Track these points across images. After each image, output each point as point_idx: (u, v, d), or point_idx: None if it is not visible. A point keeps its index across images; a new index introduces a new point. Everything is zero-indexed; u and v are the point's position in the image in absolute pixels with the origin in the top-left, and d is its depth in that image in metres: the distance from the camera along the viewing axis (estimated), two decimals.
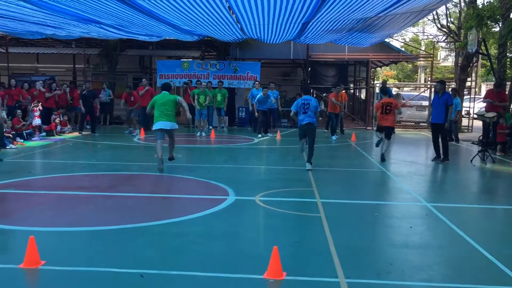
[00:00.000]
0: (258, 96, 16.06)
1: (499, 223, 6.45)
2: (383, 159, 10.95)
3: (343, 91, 16.87)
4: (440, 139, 11.08)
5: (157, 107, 9.33)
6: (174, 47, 21.62)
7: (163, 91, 9.57)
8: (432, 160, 11.21)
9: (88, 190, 7.61)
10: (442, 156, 11.03)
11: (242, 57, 20.53)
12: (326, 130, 17.27)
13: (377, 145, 11.59)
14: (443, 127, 10.89)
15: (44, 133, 14.69)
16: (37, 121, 14.51)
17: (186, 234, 5.48)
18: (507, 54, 15.85)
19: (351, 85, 24.86)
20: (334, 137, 15.55)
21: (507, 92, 14.39)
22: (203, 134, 15.90)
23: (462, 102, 17.31)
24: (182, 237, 5.35)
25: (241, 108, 19.77)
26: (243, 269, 4.43)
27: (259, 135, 15.66)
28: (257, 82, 16.88)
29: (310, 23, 11.50)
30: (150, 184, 8.47)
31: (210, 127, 16.89)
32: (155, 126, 9.36)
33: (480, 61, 27.27)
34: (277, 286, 4.14)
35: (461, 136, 16.63)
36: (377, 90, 20.69)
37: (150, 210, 6.55)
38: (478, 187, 9.18)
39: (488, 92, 13.73)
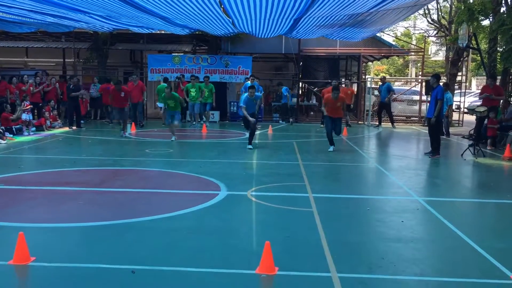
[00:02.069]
0: (244, 98, 15.84)
1: (490, 217, 6.48)
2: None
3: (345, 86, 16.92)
4: (429, 133, 11.28)
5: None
6: (165, 41, 21.50)
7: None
8: (425, 154, 11.35)
9: (79, 186, 7.54)
10: (430, 150, 11.18)
11: (234, 52, 20.45)
12: (322, 125, 17.21)
13: None
14: (430, 121, 11.05)
15: (34, 128, 14.56)
16: (27, 116, 14.36)
17: (177, 229, 5.45)
18: (498, 48, 15.91)
19: (343, 80, 24.86)
20: None
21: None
22: (196, 126, 15.90)
23: (453, 96, 17.37)
24: (173, 233, 5.32)
25: (232, 103, 19.71)
26: (235, 265, 4.42)
27: (249, 146, 13.54)
28: (251, 78, 16.68)
29: (302, 19, 11.46)
30: (141, 179, 8.42)
31: (202, 122, 16.88)
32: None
33: (471, 55, 27.39)
34: (269, 281, 4.13)
35: (451, 130, 16.71)
36: (368, 84, 20.74)
37: (141, 206, 6.51)
38: (469, 181, 9.23)
39: (484, 88, 13.79)
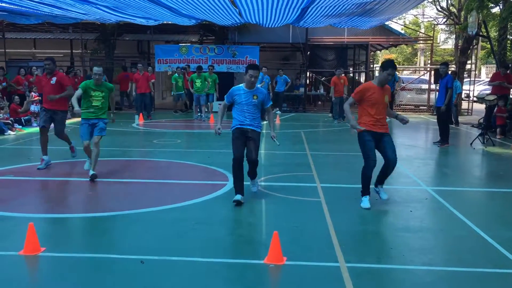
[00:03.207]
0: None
1: (499, 207, 6.43)
2: None
3: (343, 74, 16.72)
4: (438, 122, 11.21)
5: None
6: (172, 31, 21.45)
7: None
8: (434, 143, 11.31)
9: (87, 177, 7.58)
10: (439, 139, 11.13)
11: (241, 41, 20.38)
12: (330, 114, 17.14)
13: None
14: (440, 109, 10.95)
15: None
16: (35, 107, 14.43)
17: (186, 219, 5.47)
18: (508, 36, 15.73)
19: (351, 69, 24.73)
20: (336, 121, 15.56)
21: None
22: (203, 118, 15.82)
23: (462, 85, 17.22)
24: (182, 223, 5.34)
25: None
26: (244, 255, 4.43)
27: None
28: (264, 68, 16.55)
29: (310, 8, 11.38)
30: (149, 170, 8.44)
31: (209, 114, 16.73)
32: None
33: (480, 43, 27.11)
34: (277, 271, 4.14)
35: (460, 119, 16.59)
36: (376, 73, 20.59)
37: (149, 196, 6.53)
38: (478, 170, 9.17)
39: (495, 75, 13.62)
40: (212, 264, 4.23)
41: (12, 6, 12.12)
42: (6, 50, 19.98)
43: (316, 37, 19.96)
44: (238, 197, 5.95)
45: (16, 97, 14.24)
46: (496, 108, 12.78)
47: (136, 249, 4.54)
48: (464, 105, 20.45)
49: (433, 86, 19.37)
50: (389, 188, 7.29)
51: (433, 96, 19.35)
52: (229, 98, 6.25)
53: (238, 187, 6.04)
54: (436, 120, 11.65)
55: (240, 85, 6.34)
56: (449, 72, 11.79)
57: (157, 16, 13.50)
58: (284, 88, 18.50)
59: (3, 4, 11.73)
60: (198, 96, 15.96)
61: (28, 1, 11.09)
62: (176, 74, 17.26)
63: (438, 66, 11.80)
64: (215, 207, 6.01)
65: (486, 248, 4.69)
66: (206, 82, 16.18)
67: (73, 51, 22.40)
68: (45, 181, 7.39)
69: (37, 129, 13.32)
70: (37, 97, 14.56)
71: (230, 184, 7.11)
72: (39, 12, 13.15)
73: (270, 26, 15.55)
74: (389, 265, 4.26)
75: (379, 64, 33.76)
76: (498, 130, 12.76)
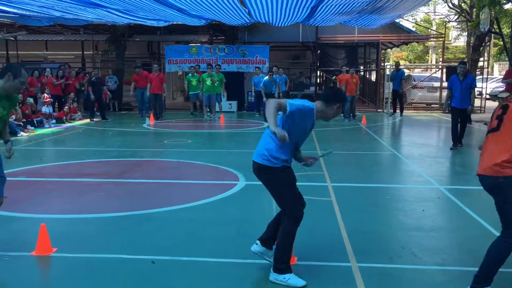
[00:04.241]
0: (264, 80, 15.90)
1: None
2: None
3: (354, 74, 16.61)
4: (460, 124, 10.31)
5: None
6: (182, 32, 21.50)
7: None
8: (451, 149, 10.26)
9: (99, 177, 7.62)
10: (458, 141, 10.36)
11: (251, 41, 20.36)
12: (341, 114, 16.95)
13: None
14: (466, 111, 10.24)
15: (54, 121, 14.74)
16: (47, 108, 14.55)
17: (196, 219, 5.47)
18: None
19: (361, 67, 24.60)
20: (346, 120, 15.47)
21: None
22: (215, 118, 15.78)
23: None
24: (192, 223, 5.34)
25: (250, 93, 19.64)
26: (254, 255, 4.41)
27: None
28: (270, 74, 16.47)
29: (319, 7, 11.31)
30: (160, 170, 8.46)
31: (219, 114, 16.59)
32: None
33: (493, 40, 26.79)
34: None
35: (473, 117, 16.41)
36: (388, 72, 20.45)
37: (160, 196, 6.54)
38: None
39: (509, 72, 13.46)
40: (222, 264, 4.22)
41: (24, 12, 12.22)
42: (18, 52, 20.19)
43: (326, 35, 19.88)
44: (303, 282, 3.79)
45: (30, 99, 14.38)
46: None
47: (147, 249, 4.54)
48: (477, 102, 20.23)
49: (445, 84, 19.17)
50: (401, 187, 7.24)
51: (445, 94, 19.15)
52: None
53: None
54: (452, 121, 10.49)
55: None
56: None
57: (167, 17, 13.52)
58: (285, 89, 17.75)
59: (14, 10, 11.84)
60: (208, 95, 15.91)
61: (39, 7, 11.17)
62: (190, 74, 17.22)
63: (450, 64, 11.58)
64: (225, 207, 6.00)
65: None
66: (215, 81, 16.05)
67: (84, 52, 22.57)
68: (57, 182, 7.43)
69: (48, 130, 13.48)
70: (49, 99, 14.69)
71: (240, 184, 7.11)
72: (51, 15, 13.25)
73: (279, 25, 15.49)
74: (401, 265, 4.22)
75: (390, 62, 33.37)
76: None
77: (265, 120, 15.06)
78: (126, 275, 4.02)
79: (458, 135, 10.38)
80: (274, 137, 3.74)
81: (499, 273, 3.61)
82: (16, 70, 4.19)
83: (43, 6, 11.01)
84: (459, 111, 10.23)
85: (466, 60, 21.09)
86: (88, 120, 15.68)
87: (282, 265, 3.81)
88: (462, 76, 10.08)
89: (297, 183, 4.04)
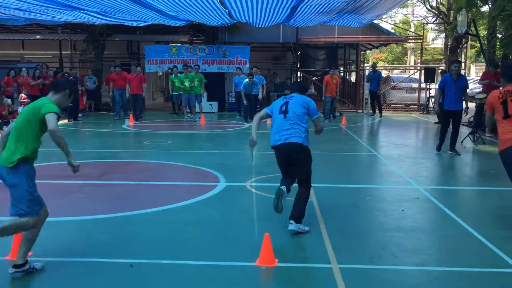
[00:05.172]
0: (244, 82, 15.84)
1: (491, 205, 6.43)
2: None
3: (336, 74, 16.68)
4: (452, 129, 9.74)
5: None
6: (162, 32, 21.35)
7: None
8: (438, 151, 9.92)
9: (77, 179, 7.45)
10: (451, 147, 9.79)
11: (231, 41, 20.32)
12: (321, 115, 16.93)
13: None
14: (461, 114, 9.73)
15: None
16: (24, 109, 14.28)
17: (176, 222, 5.41)
18: (497, 35, 15.80)
19: (341, 68, 24.76)
20: (326, 121, 15.53)
21: None
22: (195, 119, 15.67)
23: None
24: (172, 225, 5.28)
25: (230, 93, 19.57)
26: (235, 257, 4.38)
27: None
28: (250, 77, 16.35)
29: (299, 7, 11.34)
30: (139, 172, 8.36)
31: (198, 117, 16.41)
32: None
33: (470, 42, 27.27)
34: (269, 273, 4.09)
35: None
36: (366, 72, 20.60)
37: (140, 198, 6.46)
38: (470, 169, 9.19)
39: (486, 73, 13.66)
40: (203, 266, 4.18)
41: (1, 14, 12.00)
42: None
43: (307, 36, 19.95)
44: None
45: (8, 99, 14.10)
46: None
47: (126, 252, 4.47)
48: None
49: (423, 85, 19.40)
50: (381, 187, 7.29)
51: (423, 95, 19.39)
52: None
53: None
54: (442, 124, 10.05)
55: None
56: (439, 71, 11.63)
57: (146, 18, 13.42)
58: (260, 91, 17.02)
59: None
60: (187, 96, 15.77)
61: (14, 9, 10.97)
62: (173, 75, 17.04)
63: (428, 65, 11.63)
64: (206, 209, 5.95)
65: (479, 247, 4.68)
66: (193, 82, 15.87)
67: (62, 52, 22.23)
68: None
69: None
70: (26, 99, 14.42)
71: (221, 185, 7.07)
72: (27, 19, 13.09)
73: (260, 26, 15.50)
74: (381, 265, 4.23)
75: (370, 63, 33.67)
76: (487, 128, 12.81)
77: (245, 121, 15.22)
78: (104, 279, 3.95)
79: (451, 141, 9.77)
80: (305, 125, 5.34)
81: (493, 273, 3.63)
82: (72, 88, 4.35)
83: (19, 9, 10.82)
84: (452, 113, 9.60)
85: (444, 61, 21.41)
86: (66, 121, 15.44)
87: (301, 217, 5.07)
88: (456, 76, 9.51)
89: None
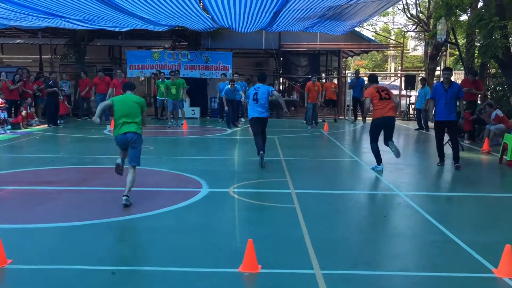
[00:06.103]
0: (225, 88, 15.83)
1: (471, 211, 6.54)
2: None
3: (317, 81, 16.81)
4: (451, 141, 9.40)
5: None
6: (144, 37, 21.26)
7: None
8: (438, 165, 9.38)
9: (57, 185, 7.39)
10: (454, 160, 9.20)
11: (214, 47, 20.33)
12: (304, 122, 17.00)
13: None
14: (457, 125, 9.30)
15: (9, 126, 14.25)
16: (2, 114, 14.05)
17: (158, 228, 5.37)
18: (475, 43, 16.10)
19: (323, 75, 24.94)
20: (308, 127, 15.61)
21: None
22: (178, 125, 15.59)
23: (431, 90, 17.51)
24: (154, 232, 5.24)
25: (213, 99, 19.55)
26: (218, 263, 4.36)
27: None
28: (232, 83, 16.32)
29: (282, 12, 11.42)
30: (121, 178, 8.24)
31: (181, 122, 16.32)
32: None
33: (449, 50, 27.70)
34: (252, 279, 4.09)
35: (430, 124, 16.85)
36: (348, 79, 20.78)
37: (121, 205, 6.39)
38: (449, 175, 9.30)
39: (464, 81, 13.89)
40: (186, 273, 4.15)
41: None
42: None
43: (289, 43, 20.07)
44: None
45: None
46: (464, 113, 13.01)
47: (108, 259, 4.42)
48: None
49: (404, 92, 19.64)
50: (363, 193, 7.34)
51: (404, 101, 19.61)
52: None
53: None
54: (436, 137, 9.40)
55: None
56: (419, 79, 11.76)
57: (128, 25, 13.36)
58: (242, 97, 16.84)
59: None
60: (173, 102, 15.69)
61: None
62: (160, 79, 16.92)
63: (409, 72, 11.75)
64: (188, 215, 5.92)
65: (459, 252, 4.74)
66: (179, 88, 15.83)
67: (43, 56, 21.96)
68: (12, 190, 7.15)
69: (3, 136, 13.01)
70: (4, 104, 14.20)
71: (203, 191, 7.04)
72: (6, 25, 12.93)
73: (243, 31, 15.54)
74: (364, 271, 4.25)
75: (351, 70, 33.98)
76: (466, 135, 13.02)
77: (228, 127, 15.25)
78: (86, 286, 3.89)
79: (453, 155, 9.19)
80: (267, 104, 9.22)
81: (472, 278, 3.67)
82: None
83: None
84: (444, 124, 9.10)
85: (424, 69, 21.71)
86: (46, 126, 15.24)
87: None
88: (447, 84, 8.99)
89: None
